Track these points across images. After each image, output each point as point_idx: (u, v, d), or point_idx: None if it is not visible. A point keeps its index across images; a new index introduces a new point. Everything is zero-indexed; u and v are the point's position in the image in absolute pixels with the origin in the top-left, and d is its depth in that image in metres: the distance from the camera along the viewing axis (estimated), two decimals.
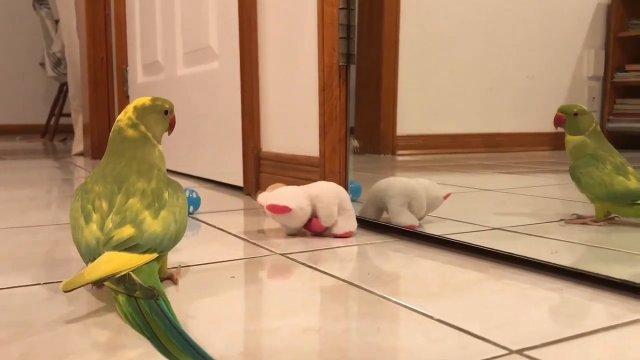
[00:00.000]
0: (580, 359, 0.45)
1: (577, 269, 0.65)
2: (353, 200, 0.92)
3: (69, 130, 3.13)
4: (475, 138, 2.38)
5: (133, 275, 0.52)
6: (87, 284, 0.52)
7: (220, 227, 0.95)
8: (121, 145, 0.65)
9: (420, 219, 0.90)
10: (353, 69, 1.03)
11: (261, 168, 1.29)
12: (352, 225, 0.87)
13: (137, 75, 2.17)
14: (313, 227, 0.87)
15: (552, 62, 2.59)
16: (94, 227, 0.58)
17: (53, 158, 2.56)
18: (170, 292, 0.61)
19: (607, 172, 0.86)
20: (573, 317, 0.54)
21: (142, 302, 0.50)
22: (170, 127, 0.70)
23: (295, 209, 0.85)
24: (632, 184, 0.86)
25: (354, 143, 2.06)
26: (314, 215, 0.87)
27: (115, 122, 0.66)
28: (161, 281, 0.59)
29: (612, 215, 0.89)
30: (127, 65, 2.27)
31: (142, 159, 0.64)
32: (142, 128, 0.65)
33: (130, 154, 0.64)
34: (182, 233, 0.63)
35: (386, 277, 0.67)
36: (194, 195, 1.07)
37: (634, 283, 0.59)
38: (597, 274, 0.63)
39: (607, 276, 0.61)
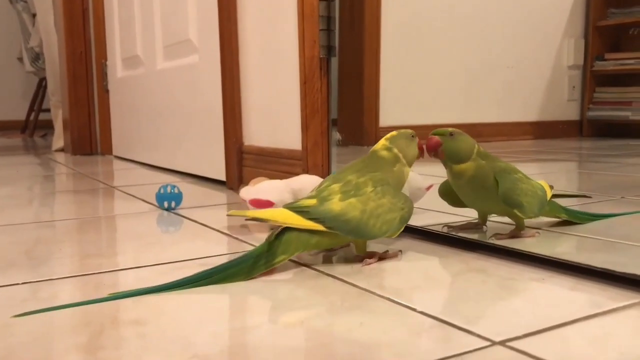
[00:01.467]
0: (562, 348, 0.45)
1: (558, 258, 0.65)
2: None
3: (49, 126, 3.10)
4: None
5: (279, 229, 0.65)
6: (247, 217, 0.70)
7: (203, 223, 0.94)
8: (372, 161, 0.72)
9: None
10: (334, 61, 1.03)
11: (244, 162, 1.29)
12: None
13: (117, 69, 2.14)
14: None
15: (532, 52, 2.60)
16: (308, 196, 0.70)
17: (33, 154, 2.53)
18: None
19: (527, 180, 0.76)
20: (555, 307, 0.54)
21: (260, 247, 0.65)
22: (423, 150, 0.75)
23: (278, 203, 0.85)
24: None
25: (337, 136, 2.06)
26: None
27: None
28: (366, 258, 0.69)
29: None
30: (106, 60, 2.25)
31: (376, 167, 0.71)
32: (395, 150, 0.72)
33: (379, 167, 0.71)
34: (375, 228, 0.67)
35: (369, 270, 0.67)
36: (176, 191, 1.06)
37: (614, 271, 0.59)
38: (578, 263, 0.63)
39: (588, 265, 0.62)
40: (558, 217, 0.83)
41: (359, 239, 0.69)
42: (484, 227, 0.81)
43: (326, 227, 0.66)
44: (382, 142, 0.73)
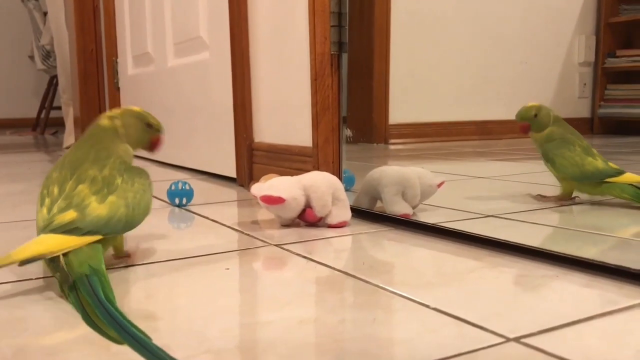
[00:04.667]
0: (577, 345, 0.45)
1: (572, 255, 0.65)
2: (347, 190, 0.92)
3: (59, 124, 3.11)
4: (468, 125, 2.38)
5: (61, 258, 0.55)
6: (12, 263, 0.54)
7: (214, 219, 0.94)
8: (91, 133, 0.69)
9: (414, 207, 0.89)
10: (345, 57, 1.02)
11: (254, 159, 1.29)
12: (346, 215, 0.87)
13: (128, 67, 2.15)
14: (307, 218, 0.87)
15: (543, 48, 2.59)
16: (44, 211, 0.61)
17: (44, 152, 2.55)
18: (163, 285, 0.61)
19: (578, 153, 0.92)
20: (569, 303, 0.54)
21: (77, 281, 0.52)
22: (152, 145, 0.74)
23: (289, 200, 0.85)
24: (600, 164, 0.92)
25: (347, 132, 2.06)
26: (307, 206, 0.86)
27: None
28: (120, 258, 0.68)
29: (574, 196, 0.96)
30: (117, 57, 2.25)
31: (103, 147, 0.67)
32: (117, 122, 0.69)
33: (95, 141, 0.68)
34: (140, 215, 0.66)
35: (381, 267, 0.67)
36: (187, 187, 1.07)
37: (629, 268, 0.59)
38: (592, 259, 0.63)
39: (603, 262, 0.61)
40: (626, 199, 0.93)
41: (129, 231, 0.66)
42: (575, 197, 0.96)
43: (103, 235, 0.60)
44: (113, 111, 0.71)
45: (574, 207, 0.94)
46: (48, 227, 0.58)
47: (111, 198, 0.63)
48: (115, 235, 0.64)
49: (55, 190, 0.62)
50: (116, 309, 0.48)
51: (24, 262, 0.54)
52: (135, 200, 0.65)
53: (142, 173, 0.69)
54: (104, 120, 0.70)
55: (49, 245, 0.56)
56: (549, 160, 0.95)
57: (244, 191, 1.25)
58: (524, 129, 0.96)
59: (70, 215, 0.59)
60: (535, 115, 0.95)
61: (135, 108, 0.72)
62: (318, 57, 1.03)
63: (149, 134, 0.73)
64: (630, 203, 0.90)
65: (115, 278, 0.63)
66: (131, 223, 0.65)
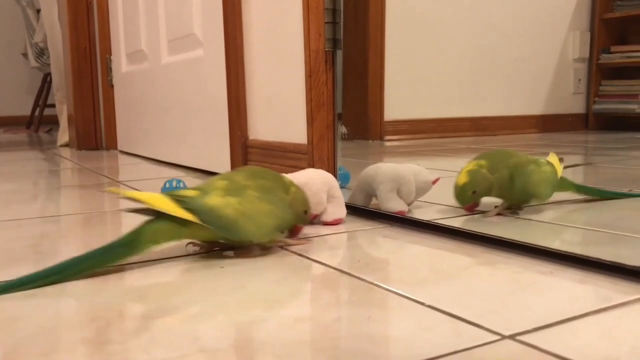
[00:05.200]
0: (573, 342, 0.45)
1: (567, 251, 0.65)
2: (342, 187, 0.91)
3: (54, 121, 3.10)
4: (463, 122, 2.38)
5: (148, 213, 0.65)
6: (123, 196, 0.64)
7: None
8: (271, 175, 0.74)
9: (409, 204, 0.89)
10: (340, 54, 1.02)
11: (249, 156, 1.28)
12: (342, 212, 0.87)
13: (121, 64, 2.14)
14: None
15: (538, 45, 2.59)
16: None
17: (38, 150, 2.54)
18: (156, 284, 0.61)
19: (543, 172, 0.84)
20: (564, 300, 0.54)
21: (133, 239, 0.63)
22: (296, 230, 0.76)
23: None
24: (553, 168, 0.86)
25: (342, 129, 2.05)
26: None
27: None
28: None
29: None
30: (110, 55, 2.25)
31: (274, 178, 0.73)
32: (293, 189, 0.74)
33: (273, 175, 0.74)
34: (247, 229, 0.67)
35: (376, 264, 0.66)
36: (182, 185, 1.06)
37: (624, 265, 0.59)
38: (587, 256, 0.63)
39: (598, 258, 0.61)
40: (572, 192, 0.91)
41: (228, 237, 0.68)
42: (519, 211, 0.86)
43: (199, 220, 0.64)
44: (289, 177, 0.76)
45: (568, 204, 0.94)
46: (170, 193, 0.66)
47: (230, 198, 0.67)
48: (210, 229, 0.66)
49: (215, 179, 0.71)
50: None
51: (128, 198, 0.64)
52: (251, 213, 0.67)
53: (283, 207, 0.71)
54: (286, 178, 0.75)
55: (152, 199, 0.64)
56: (533, 194, 0.84)
57: None
58: (471, 209, 0.84)
59: (193, 192, 0.67)
60: (474, 192, 0.82)
61: (305, 193, 0.76)
62: (312, 54, 1.02)
63: (299, 220, 0.75)
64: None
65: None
66: (233, 229, 0.66)
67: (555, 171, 0.85)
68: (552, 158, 0.86)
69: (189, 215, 0.64)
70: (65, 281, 0.60)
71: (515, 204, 0.86)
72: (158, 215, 0.64)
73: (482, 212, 0.84)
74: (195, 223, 0.64)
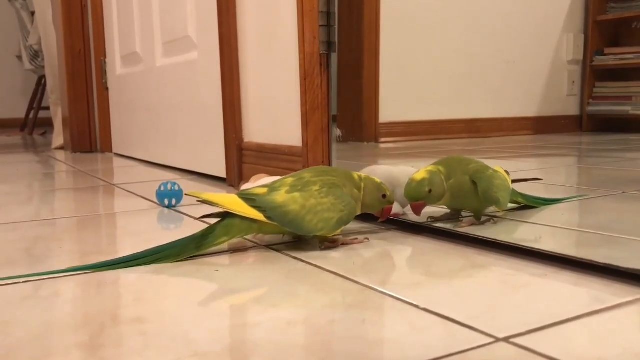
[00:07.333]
0: (566, 344, 0.45)
1: (560, 253, 0.65)
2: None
3: (48, 124, 3.09)
4: (457, 124, 2.39)
5: (219, 212, 0.71)
6: (199, 199, 0.70)
7: (203, 220, 0.94)
8: (341, 173, 0.76)
9: (404, 207, 0.89)
10: (334, 57, 1.02)
11: (244, 159, 1.28)
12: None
13: (116, 66, 2.14)
14: None
15: (531, 47, 2.60)
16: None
17: (33, 152, 2.53)
18: (151, 287, 0.61)
19: (498, 181, 0.80)
20: (558, 302, 0.54)
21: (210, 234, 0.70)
22: (384, 213, 0.77)
23: None
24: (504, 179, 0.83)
25: (337, 132, 2.05)
26: None
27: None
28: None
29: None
30: (105, 57, 2.24)
31: (340, 175, 0.75)
32: (363, 184, 0.75)
33: (341, 173, 0.76)
34: (311, 223, 0.70)
35: (370, 267, 0.66)
36: (176, 188, 1.06)
37: (617, 267, 0.59)
38: (580, 258, 0.63)
39: (591, 260, 0.62)
40: (517, 203, 0.88)
41: (295, 232, 0.71)
42: (461, 217, 0.85)
43: (266, 217, 0.69)
44: (356, 173, 0.77)
45: (563, 204, 0.94)
46: (242, 192, 0.72)
47: (296, 194, 0.70)
48: (277, 225, 0.70)
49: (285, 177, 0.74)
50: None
51: (203, 200, 0.70)
52: (315, 208, 0.70)
53: (345, 200, 0.72)
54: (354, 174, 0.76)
55: (222, 200, 0.70)
56: (495, 198, 0.78)
57: (234, 191, 1.24)
58: (419, 209, 0.78)
59: (262, 190, 0.71)
60: (430, 191, 0.76)
61: (377, 179, 0.77)
62: (307, 57, 1.03)
63: (382, 204, 0.77)
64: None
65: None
66: (298, 224, 0.70)
67: (508, 180, 0.84)
68: (500, 169, 0.85)
69: (256, 213, 0.69)
70: (142, 265, 0.67)
71: (474, 211, 0.82)
72: (229, 212, 0.70)
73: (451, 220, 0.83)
74: (265, 223, 0.69)
